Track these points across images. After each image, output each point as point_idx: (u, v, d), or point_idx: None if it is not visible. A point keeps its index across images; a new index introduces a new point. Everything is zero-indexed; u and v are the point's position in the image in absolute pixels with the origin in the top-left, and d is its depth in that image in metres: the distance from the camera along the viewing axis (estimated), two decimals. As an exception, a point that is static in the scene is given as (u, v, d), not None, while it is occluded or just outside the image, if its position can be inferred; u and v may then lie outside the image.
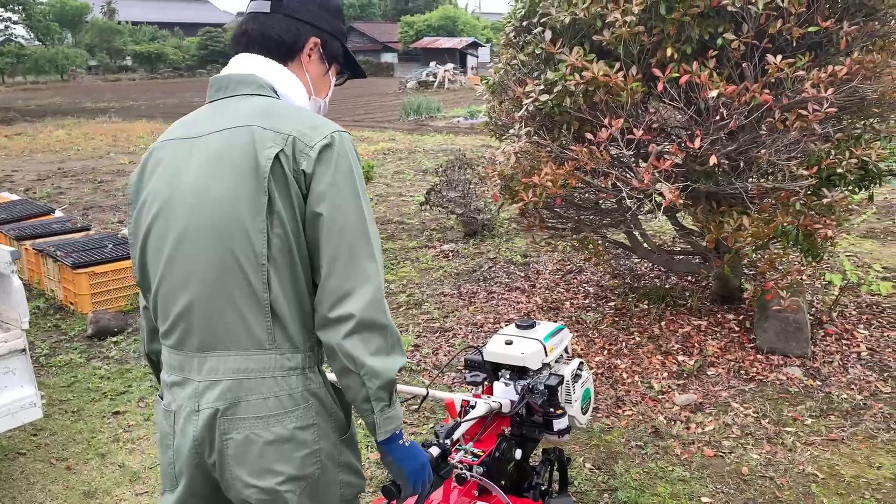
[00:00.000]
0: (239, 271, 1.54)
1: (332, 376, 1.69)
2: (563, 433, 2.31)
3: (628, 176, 3.90)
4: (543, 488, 2.48)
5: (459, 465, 2.06)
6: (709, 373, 4.36)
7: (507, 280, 6.27)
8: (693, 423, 3.84)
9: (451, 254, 7.16)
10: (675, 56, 3.90)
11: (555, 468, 2.62)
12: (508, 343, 2.39)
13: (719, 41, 3.84)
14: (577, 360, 2.51)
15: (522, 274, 6.42)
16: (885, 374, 4.26)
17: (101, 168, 13.37)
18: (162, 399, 1.71)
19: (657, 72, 3.82)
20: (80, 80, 49.09)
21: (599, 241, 5.35)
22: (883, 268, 5.89)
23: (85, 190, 11.32)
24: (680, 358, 4.54)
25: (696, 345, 4.70)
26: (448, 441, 1.92)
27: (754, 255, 4.63)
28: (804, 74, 3.70)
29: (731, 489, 3.30)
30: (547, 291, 5.89)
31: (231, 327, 1.56)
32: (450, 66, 37.23)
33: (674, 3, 3.85)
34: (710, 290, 5.45)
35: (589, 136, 3.96)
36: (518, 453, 2.31)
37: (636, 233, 5.20)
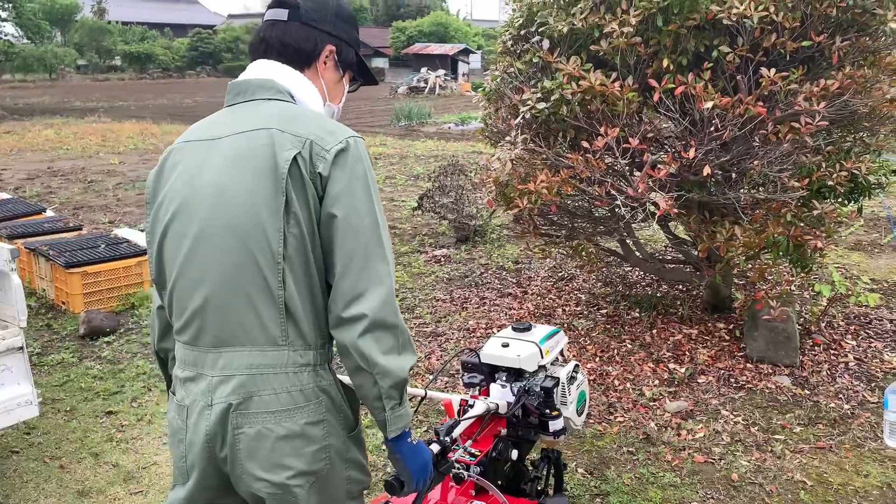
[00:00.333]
0: (255, 269, 1.58)
1: (343, 377, 1.73)
2: (558, 434, 2.35)
3: (623, 185, 3.95)
4: (539, 488, 2.52)
5: (457, 465, 2.10)
6: (699, 380, 4.41)
7: (499, 286, 6.31)
8: (684, 430, 3.89)
9: (443, 259, 7.19)
10: (671, 67, 3.96)
11: (551, 469, 2.65)
12: (505, 345, 2.42)
13: (714, 54, 3.91)
14: (572, 363, 2.55)
15: (514, 280, 6.46)
16: (873, 384, 4.32)
17: (90, 168, 13.32)
18: (174, 395, 1.74)
19: (653, 82, 3.87)
20: (68, 80, 48.82)
21: (592, 249, 5.40)
22: (871, 279, 5.97)
23: (75, 189, 11.27)
24: (671, 366, 4.59)
25: (687, 353, 4.75)
26: (448, 438, 1.96)
27: (745, 265, 4.69)
28: (797, 88, 3.77)
29: (721, 495, 3.35)
30: (539, 298, 5.93)
31: (246, 324, 1.59)
32: (441, 72, 37.31)
33: (670, 15, 3.91)
34: (702, 298, 5.51)
35: (585, 144, 4.01)
36: (514, 454, 2.35)
37: (629, 241, 5.25)
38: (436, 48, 47.08)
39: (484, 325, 5.38)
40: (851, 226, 5.39)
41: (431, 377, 4.51)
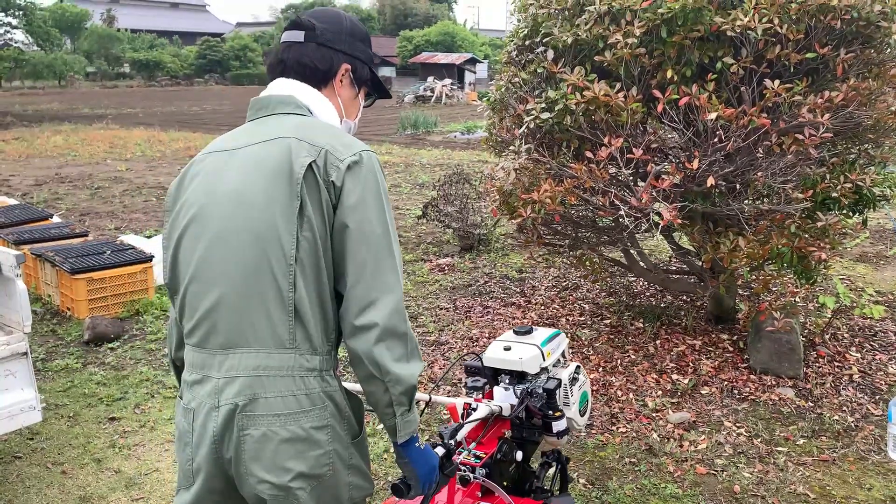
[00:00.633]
0: (269, 271, 1.62)
1: (347, 384, 1.76)
2: (562, 435, 2.37)
3: (627, 195, 3.96)
4: (544, 489, 2.53)
5: (462, 468, 2.13)
6: (702, 392, 4.40)
7: (502, 295, 6.31)
8: (686, 441, 3.88)
9: (447, 268, 7.20)
10: (675, 78, 3.97)
11: (556, 469, 2.67)
12: (507, 349, 2.46)
13: (719, 65, 3.92)
14: (574, 364, 2.57)
15: (518, 289, 6.46)
16: (877, 397, 4.31)
17: (98, 174, 13.38)
18: (181, 399, 1.76)
19: (657, 93, 3.88)
20: (77, 87, 49.16)
21: (596, 259, 5.40)
22: (875, 291, 5.96)
23: (82, 196, 11.33)
24: (674, 376, 4.58)
25: (690, 364, 4.74)
26: (452, 441, 1.99)
27: (749, 276, 4.69)
28: (801, 99, 3.77)
29: (724, 507, 3.34)
30: (543, 307, 5.93)
31: (256, 325, 1.63)
32: (447, 81, 37.41)
33: (675, 26, 3.92)
34: (705, 309, 5.50)
35: (588, 154, 4.02)
36: (519, 455, 2.37)
37: (633, 251, 5.25)
38: (442, 57, 47.16)
39: (487, 335, 5.38)
40: (857, 237, 5.37)
41: (434, 385, 4.51)
